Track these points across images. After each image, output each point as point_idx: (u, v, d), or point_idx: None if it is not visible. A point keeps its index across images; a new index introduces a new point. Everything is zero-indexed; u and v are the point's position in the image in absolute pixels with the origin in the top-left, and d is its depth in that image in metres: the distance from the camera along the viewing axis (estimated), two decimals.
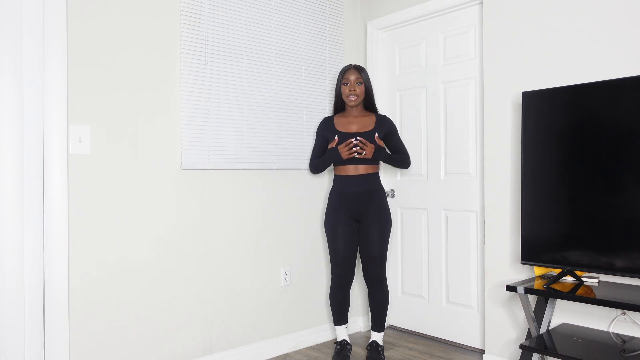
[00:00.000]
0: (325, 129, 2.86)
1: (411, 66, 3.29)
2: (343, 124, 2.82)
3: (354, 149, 2.68)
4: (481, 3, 2.87)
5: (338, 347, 2.85)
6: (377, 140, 2.74)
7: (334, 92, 3.23)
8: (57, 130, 2.15)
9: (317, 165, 2.89)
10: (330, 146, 2.78)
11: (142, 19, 2.42)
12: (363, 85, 2.77)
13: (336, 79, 3.23)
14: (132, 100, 2.39)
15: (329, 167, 3.23)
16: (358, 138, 2.68)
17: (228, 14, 2.72)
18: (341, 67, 3.30)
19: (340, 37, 3.32)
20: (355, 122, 2.81)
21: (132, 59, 2.38)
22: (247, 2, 2.81)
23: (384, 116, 2.86)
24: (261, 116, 2.87)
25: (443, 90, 3.11)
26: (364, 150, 2.68)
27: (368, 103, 2.85)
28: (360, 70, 2.78)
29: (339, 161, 2.78)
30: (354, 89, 2.75)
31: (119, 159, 2.34)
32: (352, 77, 2.75)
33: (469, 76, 2.97)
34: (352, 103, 2.77)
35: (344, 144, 2.69)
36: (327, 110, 3.21)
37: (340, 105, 2.90)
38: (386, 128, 2.82)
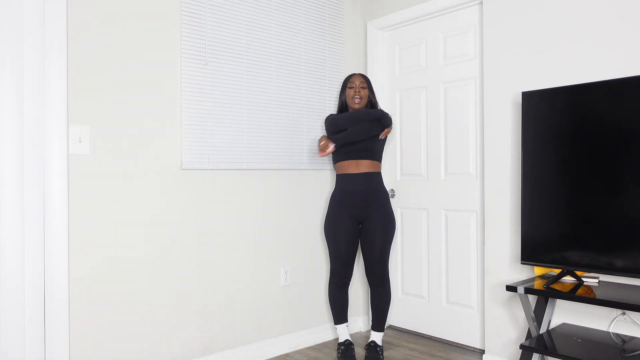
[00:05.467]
0: (332, 121, 2.90)
1: (411, 66, 3.29)
2: None
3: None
4: (481, 3, 2.87)
5: (342, 347, 2.84)
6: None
7: (333, 92, 3.24)
8: (57, 130, 2.15)
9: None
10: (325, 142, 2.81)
11: (142, 19, 2.42)
12: (367, 90, 2.88)
13: (336, 81, 3.26)
14: (132, 100, 2.39)
15: (331, 168, 3.23)
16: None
17: (228, 14, 2.72)
18: (341, 67, 3.31)
19: (340, 37, 3.32)
20: None
21: (132, 59, 2.38)
22: (247, 2, 2.81)
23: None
24: (261, 116, 2.87)
25: (443, 90, 3.11)
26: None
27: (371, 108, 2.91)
28: (364, 77, 2.92)
29: (340, 158, 2.82)
30: (358, 92, 2.85)
31: (119, 159, 2.34)
32: (357, 81, 2.88)
33: (469, 76, 2.97)
34: (357, 105, 2.85)
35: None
36: (327, 109, 3.21)
37: (344, 110, 2.97)
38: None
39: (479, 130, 2.92)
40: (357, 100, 2.84)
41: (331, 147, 2.74)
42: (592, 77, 2.33)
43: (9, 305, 2.06)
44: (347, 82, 2.91)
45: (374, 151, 2.79)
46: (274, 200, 2.96)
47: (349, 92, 2.87)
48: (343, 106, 2.95)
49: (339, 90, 3.25)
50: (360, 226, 2.82)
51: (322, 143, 2.77)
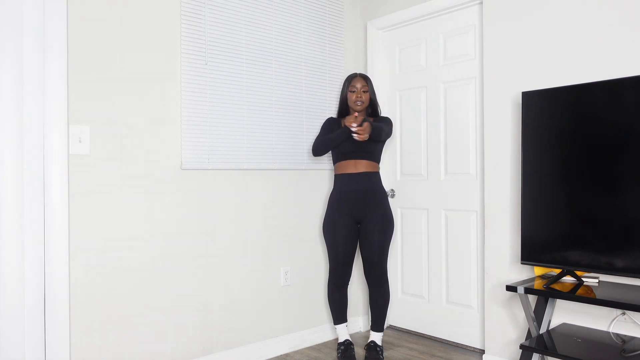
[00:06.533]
0: (334, 125, 2.90)
1: (411, 66, 3.29)
2: None
3: (355, 129, 2.57)
4: (481, 3, 2.87)
5: (342, 347, 2.84)
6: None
7: (333, 92, 3.25)
8: (57, 130, 2.15)
9: (323, 141, 2.79)
10: (348, 123, 2.64)
11: (142, 19, 2.42)
12: (368, 93, 2.85)
13: (336, 81, 3.26)
14: (132, 100, 2.39)
15: (331, 168, 3.23)
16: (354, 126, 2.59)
17: (228, 14, 2.72)
18: (341, 67, 3.31)
19: (340, 37, 3.32)
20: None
21: (132, 59, 2.38)
22: (247, 2, 2.81)
23: (384, 118, 2.87)
24: (261, 116, 2.87)
25: (443, 90, 3.11)
26: (362, 133, 2.56)
27: (372, 111, 2.91)
28: (366, 78, 2.87)
29: (339, 158, 2.81)
30: (360, 96, 2.82)
31: (119, 159, 2.34)
32: (359, 85, 2.83)
33: (469, 76, 2.97)
34: (358, 108, 2.83)
35: (352, 120, 2.61)
36: (327, 109, 3.21)
37: (344, 111, 2.95)
38: None
39: (479, 130, 2.92)
40: (359, 104, 2.82)
41: (368, 126, 2.55)
42: (592, 77, 2.33)
43: (9, 305, 2.06)
44: (348, 85, 2.87)
45: (373, 152, 2.80)
46: (274, 200, 2.96)
47: (351, 96, 2.84)
48: (344, 105, 2.93)
49: (340, 89, 3.25)
50: (358, 226, 2.82)
51: (358, 124, 2.54)
